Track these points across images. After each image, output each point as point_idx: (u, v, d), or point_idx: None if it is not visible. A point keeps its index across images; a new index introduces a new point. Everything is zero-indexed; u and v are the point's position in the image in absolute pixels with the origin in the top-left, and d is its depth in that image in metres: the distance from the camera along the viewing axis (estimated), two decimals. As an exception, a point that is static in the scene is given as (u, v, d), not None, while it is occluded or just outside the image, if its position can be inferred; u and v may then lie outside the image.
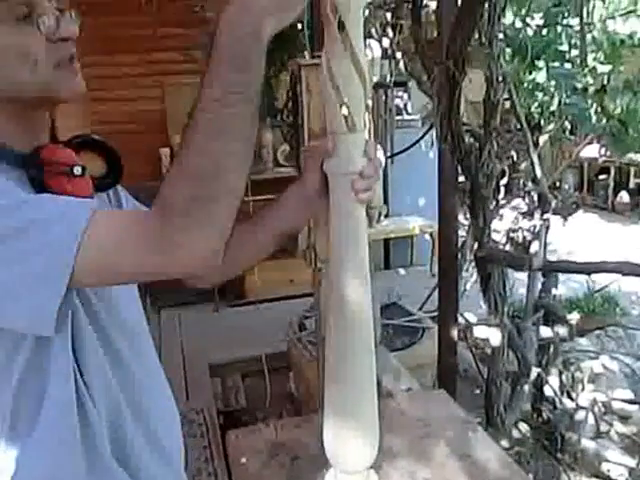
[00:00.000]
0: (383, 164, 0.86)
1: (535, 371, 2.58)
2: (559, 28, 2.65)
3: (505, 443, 2.50)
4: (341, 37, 0.76)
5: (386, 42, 3.10)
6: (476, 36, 2.04)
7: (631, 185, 7.09)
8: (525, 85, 2.70)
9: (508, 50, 2.52)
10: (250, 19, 0.65)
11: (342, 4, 0.74)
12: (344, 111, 0.78)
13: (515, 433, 2.63)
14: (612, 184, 7.22)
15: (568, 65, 2.61)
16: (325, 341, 0.91)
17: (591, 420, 2.70)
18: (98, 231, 0.67)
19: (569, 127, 2.86)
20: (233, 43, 0.65)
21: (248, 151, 0.68)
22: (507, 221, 2.80)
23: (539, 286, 2.73)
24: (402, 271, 4.98)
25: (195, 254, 0.67)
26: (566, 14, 2.63)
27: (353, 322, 0.87)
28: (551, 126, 2.72)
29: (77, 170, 0.78)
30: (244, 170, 0.68)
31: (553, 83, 2.57)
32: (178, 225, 0.66)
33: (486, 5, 1.95)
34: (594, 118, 2.60)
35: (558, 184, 2.98)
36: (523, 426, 2.68)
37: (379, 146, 0.87)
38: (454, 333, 2.29)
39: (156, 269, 0.70)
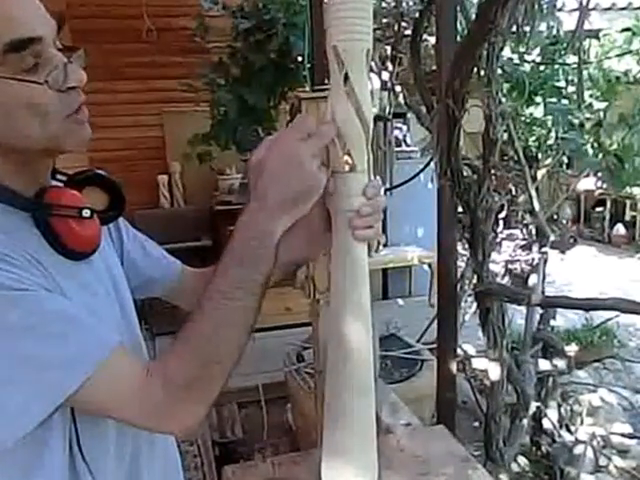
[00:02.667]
0: (384, 203, 0.88)
1: (534, 405, 2.57)
2: (556, 65, 2.71)
3: (504, 477, 2.48)
4: (345, 85, 0.78)
5: (385, 75, 3.15)
6: (475, 71, 2.07)
7: (627, 217, 7.17)
8: (523, 119, 2.75)
9: (506, 85, 2.57)
10: (265, 217, 0.73)
11: (346, 50, 0.77)
12: (346, 154, 0.80)
13: (514, 467, 2.62)
14: (608, 216, 7.31)
15: (565, 101, 2.66)
16: (325, 379, 0.91)
17: (590, 454, 2.69)
18: (101, 384, 0.69)
19: (566, 161, 2.90)
20: (247, 240, 0.73)
21: (246, 339, 0.75)
22: (505, 253, 2.82)
23: (537, 318, 2.73)
24: (400, 301, 4.97)
25: (183, 424, 0.74)
26: (563, 52, 2.68)
27: (353, 363, 0.87)
28: (549, 160, 2.75)
29: (86, 213, 0.78)
30: (240, 355, 0.76)
31: (550, 118, 2.61)
32: (179, 400, 0.72)
33: (485, 44, 1.99)
34: (591, 153, 2.64)
35: (556, 217, 3.00)
36: (522, 460, 2.68)
37: (378, 178, 0.89)
38: (453, 367, 2.26)
39: (144, 426, 0.76)
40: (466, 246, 2.40)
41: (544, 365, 2.66)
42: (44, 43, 0.71)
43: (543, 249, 2.57)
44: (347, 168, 0.81)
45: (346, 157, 0.81)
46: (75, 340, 0.68)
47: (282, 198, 0.74)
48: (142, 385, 0.71)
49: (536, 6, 2.22)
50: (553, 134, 2.68)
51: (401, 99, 3.29)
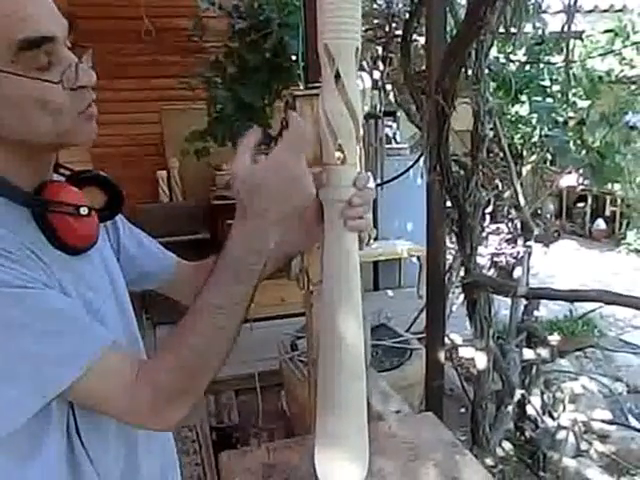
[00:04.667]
0: (374, 194, 0.91)
1: (519, 392, 2.64)
2: (541, 64, 2.77)
3: (490, 461, 2.55)
4: (336, 80, 0.80)
5: (377, 74, 3.22)
6: (463, 70, 2.14)
7: (607, 213, 7.32)
8: (509, 117, 2.81)
9: (493, 84, 2.63)
10: (264, 235, 0.76)
11: (336, 48, 0.79)
12: (336, 146, 0.82)
13: (499, 451, 2.68)
14: (589, 211, 7.45)
15: (549, 99, 2.72)
16: (317, 367, 0.93)
17: (572, 439, 2.77)
18: (92, 382, 0.71)
19: (550, 158, 2.96)
20: (244, 257, 0.75)
21: (230, 350, 0.78)
22: (492, 246, 2.88)
23: (522, 309, 2.80)
24: (390, 292, 5.05)
25: (168, 423, 0.77)
26: (548, 52, 2.75)
27: (344, 351, 0.89)
28: (533, 157, 2.82)
29: (83, 211, 0.78)
30: (223, 364, 0.78)
31: (535, 116, 2.67)
32: (166, 404, 0.74)
33: (474, 43, 2.05)
34: (573, 150, 2.70)
35: (540, 212, 3.07)
36: (507, 445, 2.74)
37: (369, 174, 0.92)
38: (441, 355, 2.32)
39: (130, 423, 0.78)
40: (454, 239, 2.44)
41: (528, 354, 2.74)
42: (57, 42, 0.71)
43: (527, 243, 2.63)
44: (338, 161, 0.83)
45: (337, 149, 0.82)
46: (70, 338, 0.70)
47: (282, 216, 0.76)
48: (130, 386, 0.73)
49: (522, 7, 2.29)
50: (538, 132, 2.71)
51: (391, 98, 3.34)
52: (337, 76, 0.80)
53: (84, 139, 0.77)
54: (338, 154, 0.83)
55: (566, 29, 2.46)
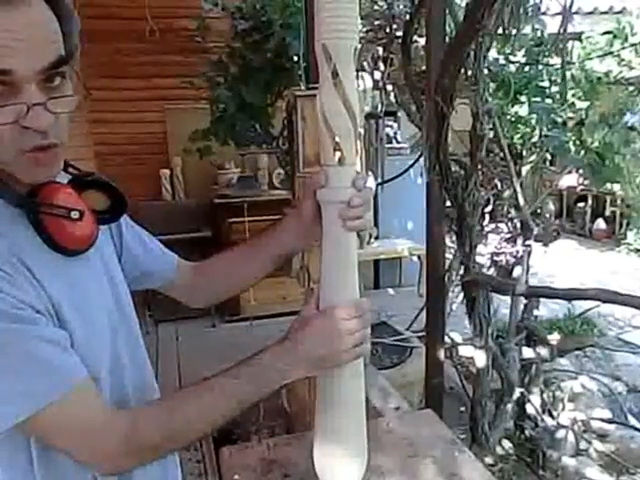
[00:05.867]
0: (373, 194, 0.93)
1: (518, 390, 2.65)
2: (540, 66, 2.79)
3: (489, 460, 2.57)
4: (334, 81, 0.80)
5: (377, 74, 3.24)
6: (463, 71, 2.16)
7: (607, 213, 7.33)
8: (508, 118, 2.82)
9: (492, 85, 2.64)
10: (290, 360, 0.83)
11: (334, 47, 0.79)
12: (335, 146, 0.82)
13: (499, 450, 2.69)
14: (589, 211, 7.48)
15: (549, 100, 2.74)
16: None
17: (571, 438, 2.76)
18: (54, 418, 0.71)
19: (549, 158, 2.98)
20: (266, 368, 0.82)
21: (211, 431, 0.83)
22: (491, 245, 2.89)
23: (521, 308, 2.80)
24: (391, 291, 5.09)
25: (118, 470, 0.80)
26: (547, 53, 2.76)
27: None
28: (533, 157, 2.83)
29: (74, 214, 0.77)
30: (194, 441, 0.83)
31: (534, 117, 2.69)
32: (132, 453, 0.76)
33: (473, 45, 2.08)
34: (573, 150, 2.72)
35: (539, 211, 3.09)
36: (506, 443, 2.74)
37: (370, 173, 0.93)
38: (441, 353, 2.34)
39: (85, 462, 0.77)
40: (454, 238, 2.46)
41: (528, 353, 2.74)
42: (15, 76, 0.68)
43: (527, 242, 2.63)
44: (337, 161, 0.83)
45: (336, 149, 0.82)
46: (26, 379, 0.69)
47: (310, 354, 0.82)
48: (102, 427, 0.74)
49: (521, 9, 2.31)
50: (537, 132, 2.72)
51: (392, 98, 3.36)
52: (335, 75, 0.79)
53: (27, 179, 0.74)
54: (337, 154, 0.83)
55: (562, 31, 2.48)
